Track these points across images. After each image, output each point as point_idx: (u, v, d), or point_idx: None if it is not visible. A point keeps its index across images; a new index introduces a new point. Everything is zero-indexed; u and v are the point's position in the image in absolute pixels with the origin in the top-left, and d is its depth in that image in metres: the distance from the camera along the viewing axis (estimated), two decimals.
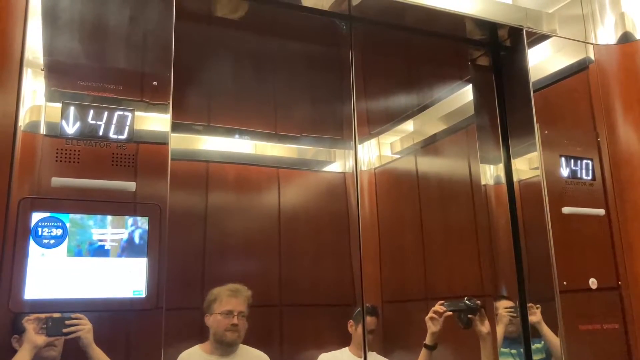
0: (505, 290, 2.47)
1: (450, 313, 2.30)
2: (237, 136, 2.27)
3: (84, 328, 1.57)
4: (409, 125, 2.62)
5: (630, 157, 2.52)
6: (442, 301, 2.32)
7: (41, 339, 1.53)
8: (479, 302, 2.36)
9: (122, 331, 1.66)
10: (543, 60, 2.60)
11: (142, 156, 1.74)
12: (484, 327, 2.35)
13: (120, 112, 1.73)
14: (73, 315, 1.57)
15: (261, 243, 2.17)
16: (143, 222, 1.69)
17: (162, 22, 1.88)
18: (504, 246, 2.50)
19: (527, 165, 2.50)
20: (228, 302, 2.02)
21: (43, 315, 1.54)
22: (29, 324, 1.53)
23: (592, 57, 2.66)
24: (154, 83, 1.81)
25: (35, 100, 1.69)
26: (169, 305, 1.69)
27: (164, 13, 1.89)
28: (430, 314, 2.29)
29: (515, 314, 2.41)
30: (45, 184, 1.61)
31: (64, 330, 1.56)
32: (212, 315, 2.02)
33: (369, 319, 2.22)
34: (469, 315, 2.34)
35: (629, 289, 2.40)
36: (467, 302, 2.35)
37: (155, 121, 1.80)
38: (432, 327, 2.28)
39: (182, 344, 1.97)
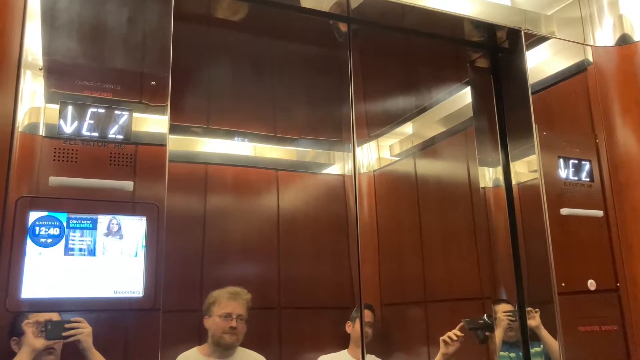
0: (504, 292, 2.47)
1: (462, 336, 2.29)
2: (236, 138, 2.27)
3: (84, 331, 1.56)
4: (407, 128, 2.62)
5: (628, 158, 2.51)
6: (461, 323, 2.31)
7: (40, 343, 1.53)
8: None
9: (119, 332, 1.65)
10: (541, 62, 2.60)
11: (140, 157, 1.74)
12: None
13: (118, 113, 1.73)
14: (72, 319, 1.56)
15: (260, 245, 2.18)
16: (141, 222, 1.69)
17: (160, 23, 1.88)
18: (503, 248, 2.50)
19: (525, 168, 2.50)
20: (227, 304, 2.02)
21: (42, 319, 1.54)
22: (28, 327, 1.52)
23: (591, 59, 2.66)
24: (152, 83, 1.81)
25: (34, 102, 1.69)
26: (167, 307, 1.68)
27: (162, 14, 1.89)
28: (445, 337, 2.28)
29: (514, 318, 2.41)
30: (43, 184, 1.61)
31: (64, 334, 1.55)
32: (210, 318, 2.01)
33: (365, 312, 2.21)
34: (487, 333, 2.34)
35: (628, 291, 2.40)
36: (486, 319, 2.35)
37: (153, 122, 1.81)
38: (444, 349, 2.28)
39: (179, 346, 1.96)
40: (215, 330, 2.01)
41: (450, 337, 2.27)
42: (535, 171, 2.41)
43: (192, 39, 2.20)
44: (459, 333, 2.28)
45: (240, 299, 2.05)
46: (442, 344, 2.28)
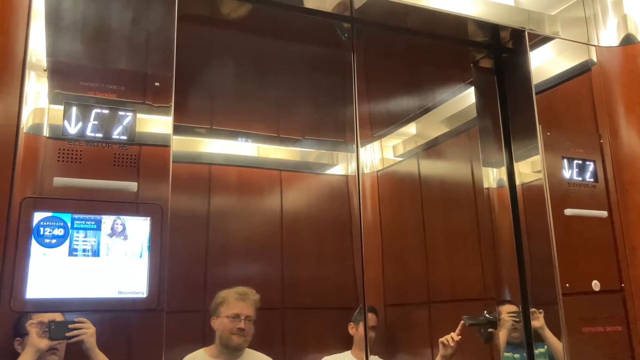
0: (508, 293, 2.46)
1: (459, 338, 2.28)
2: (239, 139, 2.27)
3: (87, 332, 1.56)
4: (411, 128, 2.62)
5: (632, 158, 2.51)
6: (462, 322, 2.30)
7: (44, 343, 1.53)
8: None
9: (123, 333, 1.65)
10: (545, 63, 2.60)
11: (144, 157, 1.74)
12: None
13: (122, 113, 1.73)
14: (76, 319, 1.56)
15: (263, 246, 2.17)
16: (145, 222, 1.69)
17: (164, 23, 1.89)
18: (507, 249, 2.49)
19: (529, 168, 2.49)
20: (235, 305, 2.01)
21: (46, 319, 1.54)
22: (32, 327, 1.52)
23: (595, 59, 2.66)
24: (156, 84, 1.81)
25: (39, 103, 1.69)
26: (171, 307, 1.68)
27: (166, 15, 1.89)
28: (443, 339, 2.27)
29: (518, 319, 2.40)
30: (47, 184, 1.61)
31: (67, 334, 1.55)
32: (218, 318, 2.00)
33: (368, 315, 2.21)
34: (490, 330, 2.32)
35: (632, 291, 2.39)
36: (487, 315, 2.34)
37: (157, 123, 1.81)
38: (442, 351, 2.27)
39: (183, 346, 1.96)
40: (223, 331, 2.00)
41: (447, 340, 2.27)
42: (539, 171, 2.41)
43: (195, 40, 2.20)
44: (456, 336, 2.27)
45: (249, 299, 2.03)
46: (440, 346, 2.27)
